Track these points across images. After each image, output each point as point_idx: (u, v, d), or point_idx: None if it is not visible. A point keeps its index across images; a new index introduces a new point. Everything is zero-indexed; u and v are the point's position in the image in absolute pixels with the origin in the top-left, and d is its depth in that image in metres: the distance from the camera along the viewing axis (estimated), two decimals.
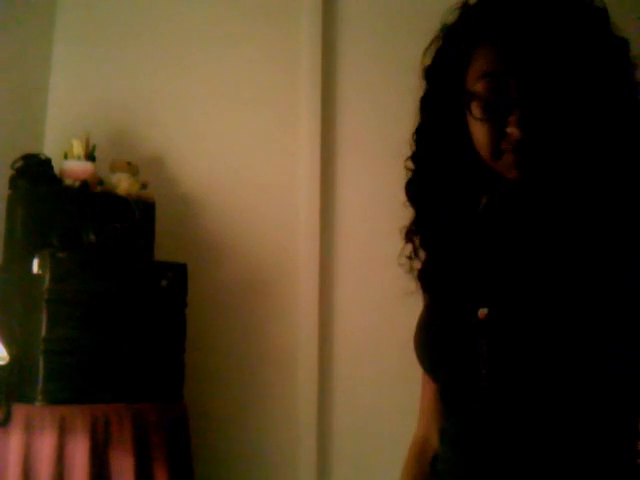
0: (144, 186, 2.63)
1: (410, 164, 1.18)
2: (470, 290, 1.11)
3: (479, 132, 1.07)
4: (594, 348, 0.98)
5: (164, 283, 2.42)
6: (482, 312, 1.06)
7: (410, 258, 1.20)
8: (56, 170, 2.50)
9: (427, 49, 1.14)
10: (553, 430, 1.02)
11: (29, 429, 2.16)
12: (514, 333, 1.03)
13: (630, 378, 1.01)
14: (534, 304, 1.03)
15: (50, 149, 2.66)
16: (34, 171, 2.44)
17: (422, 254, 1.20)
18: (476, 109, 1.06)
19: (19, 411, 2.18)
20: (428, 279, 1.19)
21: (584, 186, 1.05)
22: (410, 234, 1.20)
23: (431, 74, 1.14)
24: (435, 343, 1.13)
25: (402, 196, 1.21)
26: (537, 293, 1.04)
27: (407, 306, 1.28)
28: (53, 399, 2.19)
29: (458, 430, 1.10)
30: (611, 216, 1.03)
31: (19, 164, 2.45)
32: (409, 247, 1.20)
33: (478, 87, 1.05)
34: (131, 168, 2.64)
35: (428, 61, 1.14)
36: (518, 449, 1.02)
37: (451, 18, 1.12)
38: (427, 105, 1.15)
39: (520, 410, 1.03)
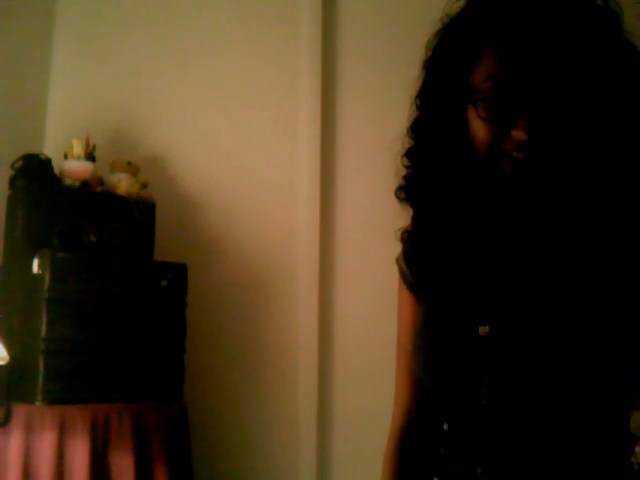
0: (144, 186, 2.63)
1: (405, 161, 1.14)
2: (471, 304, 1.09)
3: (481, 130, 1.03)
4: (595, 371, 0.98)
5: (164, 283, 2.42)
6: (483, 330, 1.04)
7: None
8: (56, 170, 2.50)
9: (430, 41, 1.10)
10: (552, 446, 1.01)
11: (29, 429, 2.16)
12: (515, 352, 1.02)
13: (627, 390, 1.01)
14: (535, 323, 1.02)
15: (50, 149, 2.66)
16: (34, 171, 2.44)
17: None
18: (481, 108, 1.02)
19: (19, 411, 2.18)
20: (428, 285, 1.16)
21: (590, 199, 1.02)
22: (407, 233, 1.18)
23: (433, 66, 1.10)
24: (436, 359, 1.11)
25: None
26: (538, 312, 1.02)
27: None
28: (53, 399, 2.19)
29: (460, 443, 1.09)
30: (616, 230, 1.01)
31: (19, 164, 2.44)
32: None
33: (486, 86, 1.01)
34: (131, 168, 2.65)
35: (430, 53, 1.10)
36: (519, 467, 1.02)
37: (455, 9, 1.08)
38: (427, 98, 1.11)
39: (520, 428, 1.02)
